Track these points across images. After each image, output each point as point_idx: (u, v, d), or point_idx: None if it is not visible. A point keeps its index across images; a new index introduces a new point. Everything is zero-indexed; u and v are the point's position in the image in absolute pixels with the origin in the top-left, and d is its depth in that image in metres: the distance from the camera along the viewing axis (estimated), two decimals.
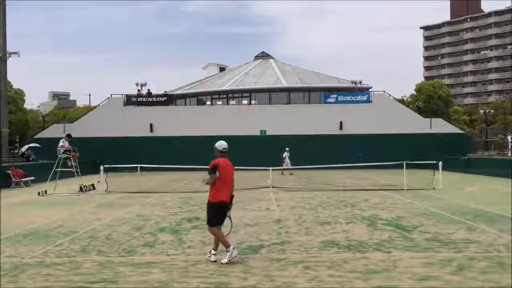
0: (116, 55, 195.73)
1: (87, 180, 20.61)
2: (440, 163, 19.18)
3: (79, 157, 19.59)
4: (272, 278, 6.35)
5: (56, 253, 8.12)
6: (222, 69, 61.06)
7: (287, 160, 29.31)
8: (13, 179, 21.74)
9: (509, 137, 35.32)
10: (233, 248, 7.22)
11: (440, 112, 59.44)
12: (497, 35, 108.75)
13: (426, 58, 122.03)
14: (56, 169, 18.93)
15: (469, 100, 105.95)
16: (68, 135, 19.68)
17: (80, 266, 7.16)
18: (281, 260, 7.36)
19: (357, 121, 36.66)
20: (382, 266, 6.90)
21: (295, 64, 54.09)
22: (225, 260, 7.11)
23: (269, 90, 44.00)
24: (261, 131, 37.09)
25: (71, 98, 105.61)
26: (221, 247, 7.35)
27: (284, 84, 45.21)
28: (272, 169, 20.90)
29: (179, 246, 8.56)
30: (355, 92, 39.91)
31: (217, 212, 7.43)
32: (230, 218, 7.57)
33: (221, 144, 7.55)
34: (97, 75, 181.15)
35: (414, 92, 68.59)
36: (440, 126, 37.57)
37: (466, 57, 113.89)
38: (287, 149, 29.77)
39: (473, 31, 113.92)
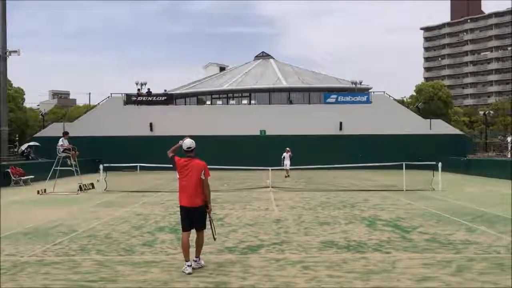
0: (116, 54, 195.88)
1: (87, 179, 20.60)
2: (440, 164, 19.17)
3: (78, 156, 19.58)
4: (271, 278, 6.35)
5: (55, 251, 8.12)
6: (222, 68, 61.14)
7: (287, 161, 26.60)
8: (13, 178, 21.75)
9: (508, 139, 35.35)
10: (189, 266, 6.66)
11: (440, 113, 59.41)
12: (498, 37, 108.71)
13: (426, 59, 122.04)
14: (55, 168, 18.92)
15: (469, 101, 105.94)
16: (65, 133, 19.65)
17: (79, 265, 7.16)
18: (280, 260, 7.35)
19: (357, 121, 36.66)
20: (381, 267, 6.90)
21: (296, 64, 54.18)
22: (187, 270, 6.63)
23: (269, 90, 44.03)
24: (260, 131, 37.09)
25: (71, 97, 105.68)
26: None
27: (284, 84, 45.22)
28: (272, 169, 20.87)
29: (178, 245, 8.53)
30: (355, 93, 39.91)
31: (181, 216, 7.04)
32: (211, 223, 7.06)
33: (184, 143, 6.96)
34: (97, 74, 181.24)
35: (414, 93, 68.56)
36: (440, 127, 37.58)
37: (466, 58, 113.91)
38: (287, 148, 27.41)
39: (473, 32, 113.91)
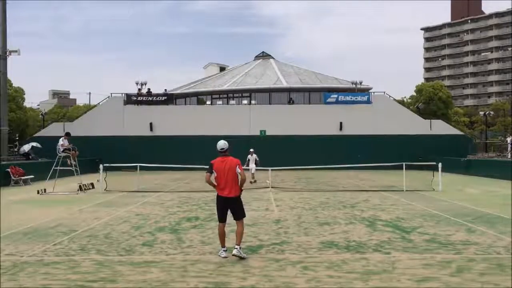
0: (117, 54, 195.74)
1: (87, 179, 20.61)
2: (440, 165, 19.17)
3: (78, 156, 19.56)
4: (271, 278, 6.35)
5: (55, 251, 8.12)
6: (222, 69, 61.07)
7: (252, 165, 22.94)
8: (13, 178, 21.74)
9: (509, 139, 35.31)
10: (224, 251, 7.62)
11: (440, 114, 59.39)
12: (498, 37, 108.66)
13: (427, 60, 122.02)
14: (55, 168, 18.92)
15: (469, 102, 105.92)
16: (67, 134, 19.68)
17: (79, 265, 7.16)
18: (280, 261, 7.35)
19: (357, 121, 36.67)
20: (381, 267, 6.90)
21: (296, 65, 54.13)
22: (222, 254, 7.61)
23: (269, 90, 44.01)
24: (261, 131, 37.08)
25: (71, 96, 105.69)
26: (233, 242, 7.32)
27: (284, 84, 45.20)
28: (272, 169, 20.87)
29: (178, 245, 8.56)
30: (356, 93, 39.89)
31: (217, 207, 7.89)
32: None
33: (218, 145, 8.00)
34: (97, 74, 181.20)
35: (414, 93, 68.54)
36: (440, 127, 37.58)
37: (466, 59, 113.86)
38: (251, 150, 23.49)
39: (473, 33, 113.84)
